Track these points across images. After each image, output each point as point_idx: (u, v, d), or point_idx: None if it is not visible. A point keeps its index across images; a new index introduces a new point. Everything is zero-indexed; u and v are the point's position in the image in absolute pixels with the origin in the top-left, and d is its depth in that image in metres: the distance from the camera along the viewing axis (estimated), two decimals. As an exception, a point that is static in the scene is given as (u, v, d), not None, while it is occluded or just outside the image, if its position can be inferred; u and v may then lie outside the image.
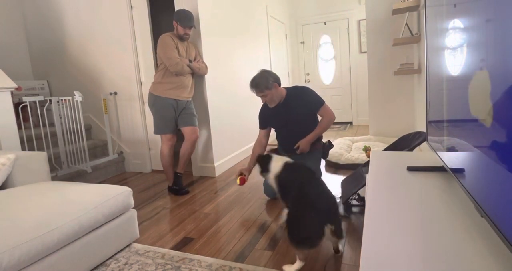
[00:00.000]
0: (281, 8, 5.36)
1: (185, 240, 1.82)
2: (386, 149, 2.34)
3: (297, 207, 1.48)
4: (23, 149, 2.57)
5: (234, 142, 3.55)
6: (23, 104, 2.66)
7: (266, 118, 2.46)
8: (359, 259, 1.16)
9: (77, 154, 2.92)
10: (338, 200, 2.15)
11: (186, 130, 2.62)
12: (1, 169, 1.74)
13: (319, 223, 1.37)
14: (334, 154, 3.16)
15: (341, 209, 2.06)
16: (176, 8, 2.85)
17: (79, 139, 2.95)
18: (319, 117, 2.37)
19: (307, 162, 2.33)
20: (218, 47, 3.24)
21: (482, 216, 0.69)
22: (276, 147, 1.87)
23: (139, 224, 2.00)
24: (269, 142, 2.58)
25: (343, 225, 1.87)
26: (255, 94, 2.32)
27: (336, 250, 1.55)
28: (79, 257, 1.44)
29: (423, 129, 1.80)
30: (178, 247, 1.74)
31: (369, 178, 1.18)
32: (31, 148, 2.70)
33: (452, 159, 0.96)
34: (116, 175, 3.35)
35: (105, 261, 1.60)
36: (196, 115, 2.72)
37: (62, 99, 2.85)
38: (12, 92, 2.33)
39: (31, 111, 2.65)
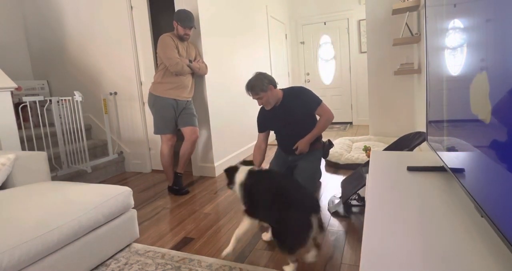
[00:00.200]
0: (281, 8, 5.36)
1: (185, 240, 1.82)
2: (386, 149, 2.34)
3: (279, 213, 1.40)
4: (23, 149, 2.58)
5: (234, 142, 3.55)
6: (23, 104, 2.66)
7: (265, 121, 2.46)
8: (359, 259, 1.16)
9: (77, 154, 2.92)
10: (338, 200, 2.15)
11: (186, 130, 2.62)
12: (1, 169, 1.74)
13: (305, 217, 1.33)
14: (334, 154, 3.16)
15: (341, 209, 2.06)
16: (176, 8, 2.85)
17: (79, 139, 2.95)
18: (318, 117, 2.38)
19: (307, 162, 2.34)
20: (218, 47, 3.24)
21: (482, 216, 0.69)
22: (249, 160, 1.81)
23: (139, 224, 2.00)
24: (269, 142, 2.58)
25: (343, 225, 1.87)
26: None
27: (318, 245, 1.48)
28: (79, 257, 1.44)
29: (423, 129, 1.80)
30: (178, 247, 1.74)
31: (369, 178, 1.18)
32: (31, 148, 2.70)
33: (452, 159, 0.96)
34: (116, 175, 3.35)
35: (105, 261, 1.60)
36: (196, 115, 2.72)
37: (62, 99, 2.85)
38: (12, 92, 2.33)
39: (31, 111, 2.65)
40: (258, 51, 4.29)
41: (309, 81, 5.92)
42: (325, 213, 2.05)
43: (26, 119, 2.77)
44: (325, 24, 5.67)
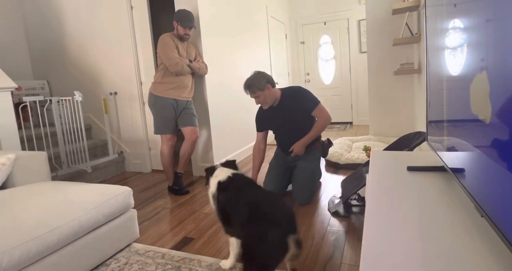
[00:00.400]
0: (281, 8, 5.36)
1: (185, 240, 1.82)
2: (386, 149, 2.34)
3: (251, 228, 1.24)
4: (23, 148, 2.57)
5: (234, 141, 3.55)
6: (23, 104, 2.66)
7: (263, 121, 2.46)
8: (359, 259, 1.16)
9: (77, 154, 2.92)
10: (338, 200, 2.15)
11: (186, 130, 2.62)
12: (1, 169, 1.74)
13: (281, 237, 1.16)
14: (334, 154, 3.16)
15: (341, 209, 2.06)
16: (176, 8, 2.85)
17: (79, 139, 2.95)
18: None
19: (307, 162, 2.34)
20: (218, 47, 3.24)
21: (482, 216, 0.69)
22: (232, 160, 1.69)
23: (139, 224, 2.00)
24: (268, 142, 2.58)
25: (343, 225, 1.87)
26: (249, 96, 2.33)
27: (294, 269, 1.34)
28: (79, 257, 1.44)
29: (423, 129, 1.80)
30: (178, 247, 1.74)
31: (369, 178, 1.18)
32: (31, 148, 2.70)
33: (452, 159, 0.96)
34: (116, 175, 3.35)
35: (105, 261, 1.60)
36: (196, 115, 2.72)
37: (62, 99, 2.85)
38: (12, 92, 2.33)
39: (31, 111, 2.65)
40: (258, 51, 4.29)
41: (309, 81, 5.92)
42: (325, 213, 2.05)
43: (26, 119, 2.77)
44: (325, 24, 5.67)
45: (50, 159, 2.60)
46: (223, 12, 3.35)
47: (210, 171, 1.60)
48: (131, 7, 3.12)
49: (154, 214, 2.23)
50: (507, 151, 0.55)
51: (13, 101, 2.33)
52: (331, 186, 2.56)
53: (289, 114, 2.31)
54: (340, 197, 2.19)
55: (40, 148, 2.69)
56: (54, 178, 2.56)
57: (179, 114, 2.61)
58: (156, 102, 2.56)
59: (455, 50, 0.88)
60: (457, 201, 0.90)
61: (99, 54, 3.38)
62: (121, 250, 1.70)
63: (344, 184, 2.29)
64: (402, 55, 3.49)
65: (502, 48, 0.56)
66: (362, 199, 2.08)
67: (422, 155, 1.46)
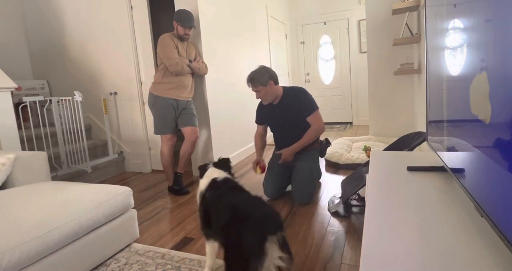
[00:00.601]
0: (281, 8, 5.36)
1: (185, 240, 1.81)
2: (386, 149, 2.34)
3: (228, 230, 1.19)
4: (23, 149, 2.58)
5: (234, 141, 3.55)
6: (23, 104, 2.66)
7: (262, 116, 2.48)
8: (359, 259, 1.16)
9: (77, 154, 2.92)
10: (338, 200, 2.15)
11: (186, 130, 2.62)
12: (1, 169, 1.74)
13: (257, 237, 1.09)
14: (334, 154, 3.16)
15: (341, 209, 2.06)
16: (176, 8, 2.85)
17: (79, 139, 2.95)
18: None
19: (305, 162, 2.34)
20: (218, 47, 3.24)
21: (482, 216, 0.69)
22: (224, 158, 1.63)
23: (139, 224, 2.00)
24: (268, 142, 2.58)
25: (343, 225, 1.87)
26: (254, 92, 2.33)
27: None
28: (79, 257, 1.44)
29: (423, 129, 1.80)
30: (178, 247, 1.74)
31: (369, 178, 1.18)
32: (31, 148, 2.70)
33: (452, 159, 0.96)
34: (116, 175, 3.35)
35: (105, 261, 1.60)
36: (196, 115, 2.72)
37: (62, 99, 2.85)
38: (12, 92, 2.33)
39: (31, 111, 2.65)
40: (258, 51, 4.29)
41: (309, 81, 5.92)
42: (325, 213, 2.05)
43: (26, 119, 2.77)
44: (325, 24, 5.67)
45: (50, 159, 2.60)
46: (223, 12, 3.35)
47: (202, 169, 1.57)
48: (131, 7, 3.12)
49: (154, 214, 2.23)
50: (507, 151, 0.55)
51: (13, 101, 2.33)
52: (331, 186, 2.56)
53: (287, 114, 2.31)
54: (340, 197, 2.19)
55: (40, 148, 2.70)
56: (54, 178, 2.56)
57: (179, 114, 2.61)
58: (156, 102, 2.56)
59: (455, 50, 0.88)
60: (457, 201, 0.90)
61: (99, 54, 3.38)
62: (121, 250, 1.70)
63: (344, 184, 2.29)
64: (402, 55, 3.49)
65: (502, 48, 0.56)
66: (362, 199, 2.08)
67: (422, 155, 1.46)
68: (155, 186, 2.90)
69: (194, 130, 2.64)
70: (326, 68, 5.84)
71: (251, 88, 2.30)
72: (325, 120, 2.34)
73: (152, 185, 2.93)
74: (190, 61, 2.62)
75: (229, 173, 1.57)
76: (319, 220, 1.96)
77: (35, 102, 2.71)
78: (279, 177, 2.38)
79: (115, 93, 3.38)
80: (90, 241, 1.49)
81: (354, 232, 1.77)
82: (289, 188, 2.45)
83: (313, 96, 2.39)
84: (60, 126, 2.84)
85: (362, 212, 2.02)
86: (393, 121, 3.73)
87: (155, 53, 2.83)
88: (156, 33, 3.04)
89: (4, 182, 1.80)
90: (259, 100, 2.56)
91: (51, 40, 3.59)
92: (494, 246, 0.66)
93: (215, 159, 1.65)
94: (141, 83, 3.25)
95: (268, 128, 2.56)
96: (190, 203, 2.40)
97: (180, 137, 2.72)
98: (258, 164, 2.40)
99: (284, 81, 5.30)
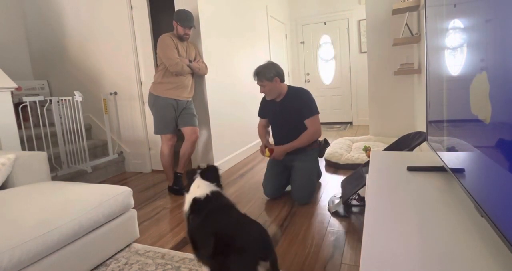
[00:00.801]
0: (281, 8, 5.36)
1: (185, 240, 1.81)
2: (386, 149, 2.34)
3: (216, 259, 1.12)
4: (23, 149, 2.57)
5: (234, 141, 3.55)
6: (23, 104, 2.66)
7: (264, 110, 2.50)
8: (359, 259, 1.16)
9: (77, 154, 2.92)
10: (338, 200, 2.15)
11: (186, 130, 2.62)
12: (1, 169, 1.74)
13: (247, 265, 1.06)
14: (334, 154, 3.16)
15: (341, 209, 2.06)
16: (176, 8, 2.85)
17: (79, 139, 2.95)
18: None
19: (303, 162, 2.34)
20: (218, 47, 3.24)
21: (482, 216, 0.69)
22: (213, 166, 1.50)
23: (139, 224, 2.00)
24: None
25: (343, 225, 1.87)
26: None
27: None
28: (79, 257, 1.44)
29: (423, 129, 1.80)
30: (178, 247, 1.74)
31: (369, 178, 1.18)
32: (31, 148, 2.70)
33: (452, 159, 0.96)
34: (116, 175, 3.35)
35: (105, 261, 1.60)
36: (196, 115, 2.72)
37: (62, 99, 2.85)
38: (12, 92, 2.33)
39: (31, 111, 2.65)
40: (258, 51, 4.29)
41: (309, 81, 5.92)
42: (325, 213, 2.05)
43: (26, 119, 2.77)
44: (325, 24, 5.67)
45: (50, 159, 2.60)
46: (223, 12, 3.35)
47: (189, 179, 1.44)
48: (131, 7, 3.12)
49: (154, 214, 2.23)
50: (507, 151, 0.55)
51: (13, 101, 2.33)
52: (331, 186, 2.56)
53: (287, 113, 2.32)
54: (340, 197, 2.19)
55: (40, 148, 2.69)
56: (54, 178, 2.56)
57: (179, 114, 2.61)
58: (156, 102, 2.56)
59: (455, 50, 0.88)
60: (457, 201, 0.90)
61: (99, 54, 3.38)
62: (121, 250, 1.70)
63: (344, 184, 2.29)
64: (402, 55, 3.49)
65: (502, 48, 0.56)
66: (362, 199, 2.08)
67: (422, 155, 1.46)
68: (155, 186, 2.90)
69: (194, 131, 2.64)
70: (326, 68, 5.84)
71: (256, 82, 2.31)
72: (325, 120, 2.35)
73: (152, 185, 2.93)
74: (190, 61, 2.62)
75: (217, 184, 1.44)
76: (319, 220, 1.96)
77: (35, 102, 2.71)
78: (279, 176, 2.38)
79: (115, 93, 3.38)
80: (90, 241, 1.49)
81: (354, 232, 1.77)
82: (289, 187, 2.45)
83: (313, 97, 2.39)
84: (60, 126, 2.84)
85: (362, 212, 2.02)
86: (393, 121, 3.73)
87: (155, 53, 2.83)
88: (156, 33, 3.04)
89: (4, 182, 1.80)
90: (260, 100, 2.56)
91: (51, 40, 3.59)
92: (494, 246, 0.66)
93: (205, 164, 1.52)
94: (141, 83, 3.25)
95: None
96: (190, 203, 2.40)
97: (180, 137, 2.72)
98: (266, 147, 2.40)
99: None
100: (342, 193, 2.20)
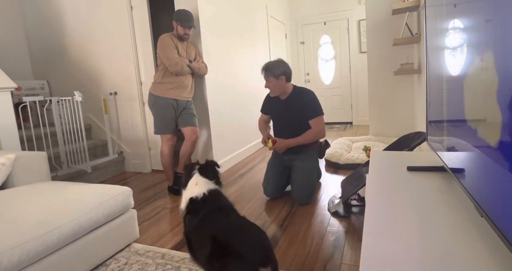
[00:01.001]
0: (281, 8, 5.36)
1: (185, 242, 1.81)
2: (386, 149, 2.34)
3: (213, 265, 1.08)
4: (23, 149, 2.57)
5: (234, 142, 3.55)
6: (23, 104, 2.66)
7: (268, 107, 2.51)
8: (359, 259, 1.16)
9: (77, 154, 2.92)
10: (338, 200, 2.15)
11: (186, 130, 2.62)
12: (1, 169, 1.74)
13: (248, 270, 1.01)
14: (334, 153, 3.16)
15: (341, 209, 2.06)
16: (176, 8, 2.85)
17: (79, 139, 2.95)
18: None
19: (303, 162, 2.34)
20: (218, 47, 3.24)
21: (482, 216, 0.69)
22: (212, 161, 1.47)
23: (139, 224, 2.00)
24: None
25: (343, 225, 1.87)
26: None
27: None
28: (79, 257, 1.44)
29: (423, 129, 1.80)
30: (178, 247, 1.74)
31: (369, 178, 1.18)
32: (31, 148, 2.70)
33: (452, 159, 0.96)
34: (116, 175, 3.35)
35: (105, 261, 1.60)
36: (196, 115, 2.72)
37: (62, 99, 2.85)
38: (12, 92, 2.33)
39: (31, 111, 2.65)
40: (258, 51, 4.29)
41: (309, 81, 5.92)
42: (325, 213, 2.05)
43: (26, 119, 2.77)
44: (325, 24, 5.67)
45: (50, 159, 2.60)
46: (223, 12, 3.35)
47: (187, 174, 1.39)
48: (131, 7, 3.12)
49: (154, 214, 2.23)
50: (507, 151, 0.55)
51: (13, 101, 2.33)
52: (331, 186, 2.56)
53: (291, 112, 2.32)
54: (340, 197, 2.19)
55: (40, 148, 2.69)
56: (54, 178, 2.56)
57: (179, 114, 2.61)
58: (156, 102, 2.56)
59: (455, 50, 0.88)
60: (457, 201, 0.90)
61: (99, 54, 3.38)
62: (121, 250, 1.70)
63: (344, 184, 2.29)
64: (402, 55, 3.49)
65: (502, 48, 0.56)
66: (362, 199, 2.08)
67: (422, 155, 1.46)
68: (155, 186, 2.90)
69: (194, 131, 2.64)
70: (326, 68, 5.84)
71: (263, 76, 2.33)
72: (325, 120, 2.35)
73: (152, 185, 2.92)
74: (190, 61, 2.62)
75: (216, 181, 1.40)
76: (319, 220, 1.96)
77: (35, 102, 2.71)
78: (279, 176, 2.38)
79: (115, 93, 3.38)
80: (90, 241, 1.49)
81: (354, 232, 1.77)
82: (289, 187, 2.45)
83: None
84: (60, 126, 2.84)
85: (362, 212, 2.02)
86: (393, 121, 3.73)
87: (155, 53, 2.83)
88: (156, 33, 3.04)
89: (4, 182, 1.80)
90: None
91: (51, 40, 3.59)
92: (494, 246, 0.66)
93: (204, 160, 1.48)
94: (141, 83, 3.24)
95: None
96: (190, 203, 2.40)
97: (180, 137, 2.72)
98: (269, 138, 2.40)
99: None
100: (342, 193, 2.20)
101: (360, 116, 5.65)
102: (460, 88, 0.83)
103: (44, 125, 2.75)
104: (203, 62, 2.82)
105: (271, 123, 2.60)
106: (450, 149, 0.98)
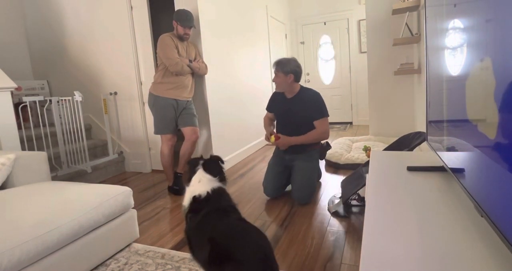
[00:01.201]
0: (281, 8, 5.36)
1: (185, 240, 1.81)
2: (386, 149, 2.34)
3: (215, 265, 1.05)
4: (23, 149, 2.57)
5: (234, 141, 3.55)
6: (23, 104, 2.66)
7: (273, 104, 2.53)
8: (359, 259, 1.16)
9: (77, 154, 2.92)
10: (338, 200, 2.15)
11: (186, 130, 2.62)
12: (1, 169, 1.74)
13: None
14: (334, 154, 3.16)
15: (341, 209, 2.06)
16: (176, 8, 2.85)
17: (79, 139, 2.95)
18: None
19: (304, 162, 2.34)
20: (218, 47, 3.24)
21: (482, 216, 0.69)
22: (216, 156, 1.45)
23: (139, 224, 2.00)
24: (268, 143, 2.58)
25: (343, 225, 1.87)
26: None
27: None
28: (79, 257, 1.44)
29: (423, 129, 1.80)
30: (178, 247, 1.74)
31: (369, 178, 1.18)
32: (31, 148, 2.70)
33: (452, 159, 0.96)
34: (116, 175, 3.35)
35: (105, 261, 1.60)
36: (196, 115, 2.72)
37: (62, 99, 2.85)
38: (12, 92, 2.33)
39: (31, 111, 2.65)
40: (258, 51, 4.29)
41: (309, 81, 5.92)
42: (325, 213, 2.05)
43: (26, 119, 2.77)
44: (325, 24, 5.67)
45: (50, 159, 2.59)
46: (223, 12, 3.35)
47: (191, 170, 1.37)
48: (131, 7, 3.12)
49: (154, 214, 2.23)
50: (507, 151, 0.55)
51: (13, 101, 2.33)
52: (331, 186, 2.56)
53: (295, 112, 2.33)
54: (340, 197, 2.19)
55: (40, 148, 2.69)
56: (54, 178, 2.56)
57: (179, 114, 2.61)
58: (156, 102, 2.56)
59: (455, 50, 0.88)
60: (457, 200, 0.90)
61: (99, 54, 3.38)
62: (121, 250, 1.70)
63: (344, 184, 2.29)
64: (402, 55, 3.49)
65: (502, 48, 0.56)
66: (362, 199, 2.08)
67: (422, 155, 1.46)
68: (155, 186, 2.90)
69: (194, 131, 2.64)
70: (326, 68, 5.84)
71: (273, 70, 2.37)
72: (325, 121, 2.35)
73: (152, 185, 2.92)
74: (190, 61, 2.62)
75: (220, 177, 1.37)
76: (319, 220, 1.96)
77: (35, 102, 2.71)
78: (279, 176, 2.38)
79: (115, 93, 3.38)
80: (90, 241, 1.49)
81: (354, 232, 1.77)
82: (289, 187, 2.45)
83: None
84: (60, 126, 2.84)
85: (362, 212, 2.02)
86: (393, 121, 3.73)
87: (155, 53, 2.83)
88: (156, 33, 3.04)
89: (4, 182, 1.79)
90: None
91: (51, 40, 3.59)
92: (494, 246, 0.66)
93: (209, 155, 1.46)
94: (141, 83, 3.24)
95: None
96: (190, 203, 2.40)
97: (180, 137, 2.72)
98: (271, 134, 2.41)
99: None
100: (342, 193, 2.20)
101: (360, 116, 5.65)
102: (460, 88, 0.83)
103: (44, 125, 2.75)
104: (203, 62, 2.82)
105: (275, 122, 2.60)
106: (450, 149, 0.98)
